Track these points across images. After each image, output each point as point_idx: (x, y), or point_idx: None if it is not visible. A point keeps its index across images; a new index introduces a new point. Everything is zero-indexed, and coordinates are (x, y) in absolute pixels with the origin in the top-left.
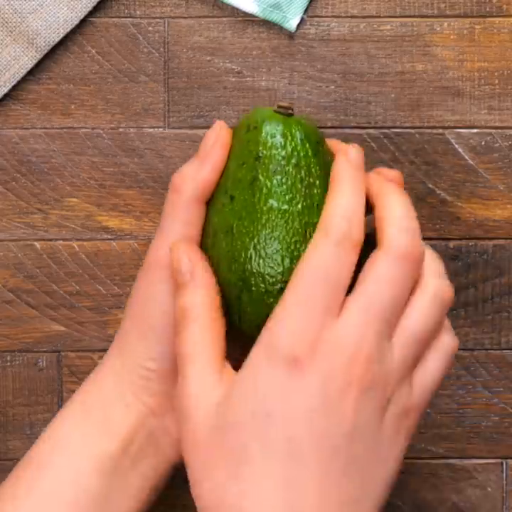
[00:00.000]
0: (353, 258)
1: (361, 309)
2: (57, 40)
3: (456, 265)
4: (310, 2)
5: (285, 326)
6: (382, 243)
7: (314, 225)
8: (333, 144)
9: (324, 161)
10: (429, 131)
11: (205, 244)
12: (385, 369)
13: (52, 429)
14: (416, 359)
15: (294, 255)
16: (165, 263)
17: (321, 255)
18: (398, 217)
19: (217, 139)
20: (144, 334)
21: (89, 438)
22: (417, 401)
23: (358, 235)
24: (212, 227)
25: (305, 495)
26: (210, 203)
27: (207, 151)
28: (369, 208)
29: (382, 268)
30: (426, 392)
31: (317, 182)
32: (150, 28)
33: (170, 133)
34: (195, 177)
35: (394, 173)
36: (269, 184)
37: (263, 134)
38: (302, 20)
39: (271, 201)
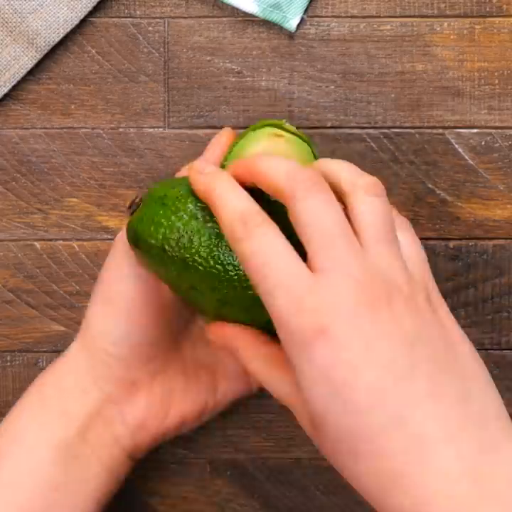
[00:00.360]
0: (329, 194)
1: (377, 237)
2: (57, 40)
3: (456, 265)
4: (310, 2)
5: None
6: (349, 191)
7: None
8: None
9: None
10: (429, 131)
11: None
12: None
13: (8, 422)
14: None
15: None
16: (129, 246)
17: (306, 206)
18: (345, 172)
19: (217, 144)
20: (105, 316)
21: (46, 426)
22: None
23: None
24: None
25: (419, 404)
26: None
27: (209, 153)
28: None
29: (366, 205)
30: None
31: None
32: (150, 28)
33: (170, 133)
34: (192, 175)
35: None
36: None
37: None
38: (302, 20)
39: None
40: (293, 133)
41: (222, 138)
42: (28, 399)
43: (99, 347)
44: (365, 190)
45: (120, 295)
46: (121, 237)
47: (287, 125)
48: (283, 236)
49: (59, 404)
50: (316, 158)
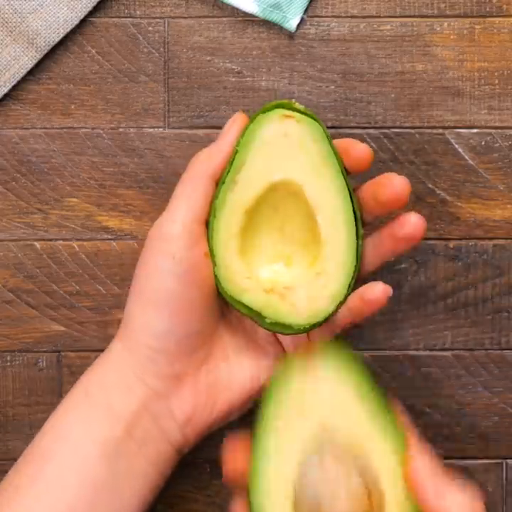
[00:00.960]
0: None
1: None
2: (57, 40)
3: (456, 265)
4: (310, 2)
5: None
6: None
7: None
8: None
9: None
10: (429, 131)
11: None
12: None
13: (53, 421)
14: None
15: None
16: (167, 237)
17: None
18: None
19: (231, 128)
20: (146, 311)
21: (92, 424)
22: None
23: None
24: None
25: None
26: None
27: (222, 139)
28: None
29: None
30: None
31: None
32: (150, 28)
33: (170, 133)
34: (207, 160)
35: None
36: None
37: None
38: (302, 20)
39: None
40: (303, 113)
41: (236, 123)
42: (73, 398)
43: (142, 342)
44: None
45: (160, 290)
46: (154, 233)
47: (297, 105)
48: None
49: (104, 401)
50: (328, 138)
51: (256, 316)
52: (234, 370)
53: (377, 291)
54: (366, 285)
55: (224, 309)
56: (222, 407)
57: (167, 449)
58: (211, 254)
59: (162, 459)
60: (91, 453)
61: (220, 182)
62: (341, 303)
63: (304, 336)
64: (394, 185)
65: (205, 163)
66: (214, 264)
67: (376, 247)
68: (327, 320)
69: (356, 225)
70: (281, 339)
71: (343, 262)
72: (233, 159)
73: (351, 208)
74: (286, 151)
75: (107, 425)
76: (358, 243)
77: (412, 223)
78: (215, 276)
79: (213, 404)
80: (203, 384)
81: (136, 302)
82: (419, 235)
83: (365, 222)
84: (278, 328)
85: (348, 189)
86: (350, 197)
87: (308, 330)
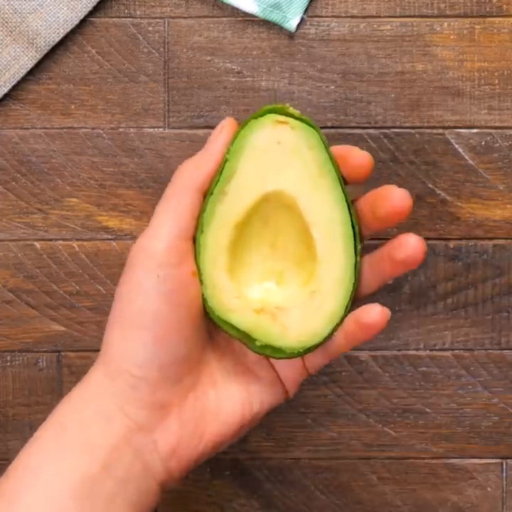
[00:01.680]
0: None
1: None
2: (57, 40)
3: (456, 265)
4: (310, 2)
5: None
6: None
7: None
8: None
9: None
10: (429, 131)
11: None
12: None
13: (23, 457)
14: None
15: None
16: (150, 255)
17: None
18: None
19: (220, 136)
20: (127, 336)
21: (66, 462)
22: None
23: None
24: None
25: None
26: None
27: (210, 147)
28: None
29: None
30: None
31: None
32: (150, 28)
33: (170, 133)
34: (194, 170)
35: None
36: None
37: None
38: (302, 20)
39: None
40: (298, 118)
41: (224, 129)
42: (46, 433)
43: (124, 370)
44: None
45: (143, 311)
46: (137, 250)
47: (292, 109)
48: None
49: (81, 436)
50: (325, 145)
51: (245, 339)
52: (222, 397)
53: (375, 314)
54: (362, 307)
55: (211, 331)
56: (211, 438)
57: (148, 485)
58: (198, 271)
59: (143, 497)
60: (64, 495)
61: (208, 193)
62: (338, 325)
63: (298, 360)
64: (393, 198)
65: (191, 173)
66: (201, 282)
67: (372, 267)
68: (322, 343)
69: (354, 240)
70: (273, 362)
71: (341, 279)
72: (223, 168)
73: (349, 221)
74: (280, 159)
75: (83, 463)
76: (356, 260)
77: (412, 245)
78: (202, 295)
79: (201, 434)
80: (189, 413)
81: (116, 325)
82: (419, 258)
83: (363, 237)
84: (269, 352)
85: (346, 201)
86: (349, 209)
87: (302, 354)
